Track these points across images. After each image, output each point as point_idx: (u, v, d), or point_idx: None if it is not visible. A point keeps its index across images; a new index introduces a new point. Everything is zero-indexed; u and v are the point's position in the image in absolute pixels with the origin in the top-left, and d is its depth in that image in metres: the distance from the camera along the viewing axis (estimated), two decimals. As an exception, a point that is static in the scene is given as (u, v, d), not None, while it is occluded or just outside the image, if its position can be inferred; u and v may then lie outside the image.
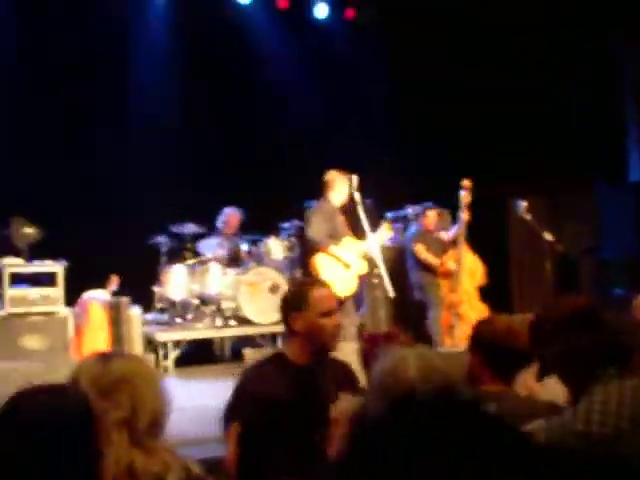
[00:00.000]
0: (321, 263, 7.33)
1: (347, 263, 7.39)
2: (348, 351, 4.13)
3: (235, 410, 3.31)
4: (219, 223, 10.06)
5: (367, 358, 3.50)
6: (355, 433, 2.15)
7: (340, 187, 7.62)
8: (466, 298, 8.69)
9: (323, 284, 3.71)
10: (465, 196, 8.56)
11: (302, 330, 3.43)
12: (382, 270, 7.25)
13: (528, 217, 8.59)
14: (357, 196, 7.38)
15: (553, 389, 3.02)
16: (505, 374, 3.12)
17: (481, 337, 3.21)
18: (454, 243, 8.95)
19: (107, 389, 2.40)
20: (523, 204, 8.60)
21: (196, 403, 6.28)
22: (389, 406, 2.04)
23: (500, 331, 3.17)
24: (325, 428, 2.99)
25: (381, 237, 7.60)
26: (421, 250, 9.18)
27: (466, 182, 8.56)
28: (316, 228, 7.41)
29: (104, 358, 2.54)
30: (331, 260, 7.36)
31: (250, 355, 5.96)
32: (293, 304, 3.49)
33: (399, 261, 9.34)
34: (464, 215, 8.63)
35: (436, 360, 2.64)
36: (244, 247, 9.96)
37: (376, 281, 7.57)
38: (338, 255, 7.36)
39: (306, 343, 3.45)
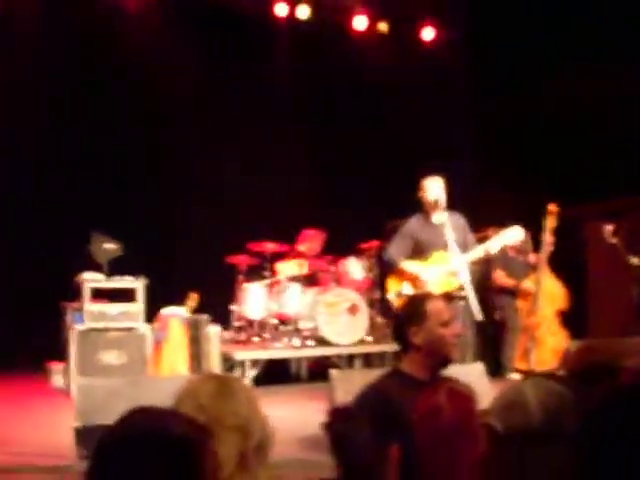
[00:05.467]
0: (393, 283, 7.19)
1: (421, 280, 7.14)
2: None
3: (390, 432, 2.79)
4: (299, 243, 10.02)
5: None
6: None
7: (430, 189, 7.22)
8: (544, 322, 8.48)
9: (436, 296, 3.72)
10: (550, 220, 8.40)
11: (423, 343, 3.42)
12: (469, 291, 6.99)
13: (614, 241, 8.34)
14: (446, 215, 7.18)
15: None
16: None
17: None
18: (534, 267, 8.80)
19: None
20: (609, 227, 8.36)
21: (276, 424, 6.15)
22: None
23: None
24: None
25: (508, 238, 7.34)
26: (500, 276, 9.11)
27: (552, 207, 8.39)
28: (392, 248, 7.30)
29: (219, 378, 2.45)
30: (403, 279, 7.16)
31: (337, 376, 5.83)
32: (411, 318, 3.48)
33: (483, 279, 9.16)
34: (548, 238, 8.43)
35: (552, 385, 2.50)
36: (323, 267, 9.91)
37: (462, 303, 7.33)
38: (411, 271, 7.15)
39: (428, 356, 3.44)
